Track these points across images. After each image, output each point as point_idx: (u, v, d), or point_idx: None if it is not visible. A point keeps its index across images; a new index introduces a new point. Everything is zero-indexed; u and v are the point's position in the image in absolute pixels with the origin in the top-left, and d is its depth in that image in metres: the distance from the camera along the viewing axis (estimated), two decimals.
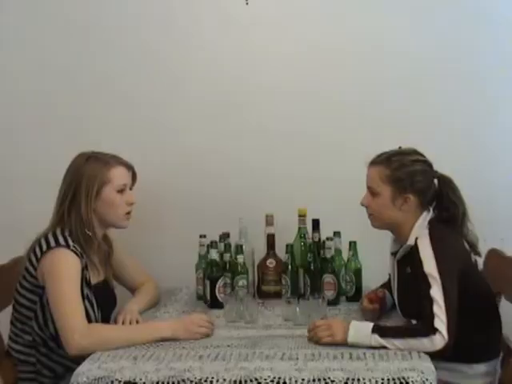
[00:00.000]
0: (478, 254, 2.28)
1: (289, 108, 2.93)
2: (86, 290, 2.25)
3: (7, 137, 2.97)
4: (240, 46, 2.93)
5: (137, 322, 2.26)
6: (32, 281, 2.23)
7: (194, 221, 2.88)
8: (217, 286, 2.53)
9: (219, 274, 2.54)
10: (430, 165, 2.28)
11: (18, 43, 2.94)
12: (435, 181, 2.28)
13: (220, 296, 2.53)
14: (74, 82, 2.95)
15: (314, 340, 2.08)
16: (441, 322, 2.00)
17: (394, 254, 2.36)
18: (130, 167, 2.38)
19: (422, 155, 2.29)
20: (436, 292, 2.05)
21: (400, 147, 2.30)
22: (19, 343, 2.27)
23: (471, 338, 2.19)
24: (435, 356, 1.97)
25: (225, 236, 2.71)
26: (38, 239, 2.23)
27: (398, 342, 1.99)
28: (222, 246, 2.64)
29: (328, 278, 2.57)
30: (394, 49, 2.89)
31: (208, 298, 2.55)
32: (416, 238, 2.21)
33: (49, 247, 2.19)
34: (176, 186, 2.94)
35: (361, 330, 2.05)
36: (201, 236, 2.69)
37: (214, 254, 2.55)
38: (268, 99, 2.93)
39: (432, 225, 2.23)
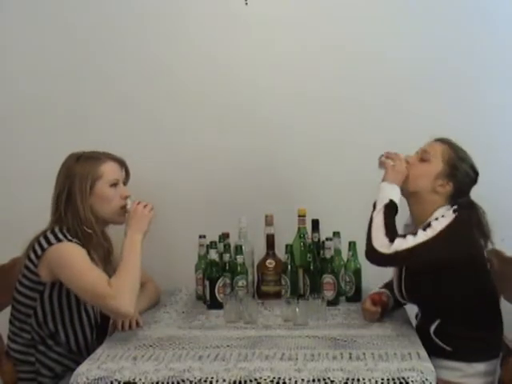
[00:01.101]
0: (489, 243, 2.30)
1: (288, 108, 2.93)
2: None
3: (7, 137, 2.98)
4: (241, 45, 2.93)
5: (137, 323, 2.27)
6: (32, 278, 2.23)
7: (194, 221, 2.89)
8: (216, 286, 2.53)
9: (219, 275, 2.54)
10: (476, 181, 2.31)
11: (19, 44, 2.95)
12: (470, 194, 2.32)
13: (219, 296, 2.53)
14: (77, 82, 2.96)
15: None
16: (404, 242, 2.13)
17: None
18: (121, 162, 2.40)
19: (477, 171, 2.31)
20: (424, 234, 2.14)
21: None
22: (18, 342, 2.27)
23: (472, 337, 2.19)
24: (369, 254, 2.19)
25: (224, 236, 2.70)
26: (36, 238, 2.24)
27: (378, 221, 2.20)
28: (221, 246, 2.63)
29: (327, 279, 2.57)
30: (398, 50, 2.89)
31: (207, 298, 2.55)
32: (435, 219, 2.22)
33: (50, 244, 2.20)
34: (176, 186, 2.95)
35: (383, 191, 2.24)
36: (200, 236, 2.69)
37: (213, 255, 2.55)
38: (268, 99, 2.94)
39: (458, 212, 2.22)
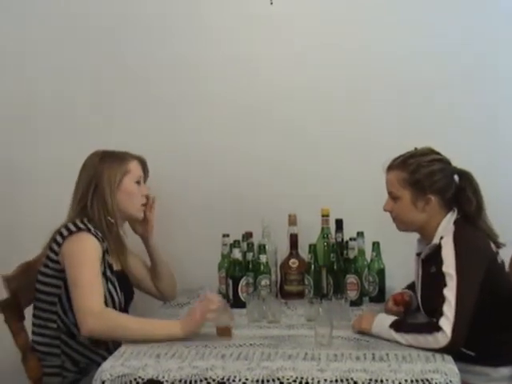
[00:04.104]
0: (499, 246, 2.26)
1: (313, 107, 2.91)
2: (108, 273, 2.31)
3: (30, 136, 2.99)
4: (264, 45, 2.90)
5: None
6: (55, 266, 2.27)
7: (217, 220, 2.88)
8: (239, 285, 2.54)
9: (242, 274, 2.55)
10: (447, 162, 2.27)
11: (41, 44, 2.95)
12: (456, 177, 2.26)
13: (242, 295, 2.53)
14: (97, 82, 2.96)
15: (354, 329, 2.18)
16: (447, 320, 2.00)
17: (418, 254, 2.35)
18: (143, 161, 2.47)
19: (438, 153, 2.27)
20: (449, 291, 2.05)
21: (416, 148, 2.29)
22: (43, 335, 2.30)
23: (497, 340, 2.18)
24: (440, 352, 1.98)
25: (248, 235, 2.70)
26: (57, 229, 2.29)
27: (409, 337, 2.03)
28: (244, 245, 2.64)
29: (351, 279, 2.57)
30: (427, 48, 2.87)
31: (231, 297, 2.56)
32: (441, 238, 2.20)
33: (70, 232, 2.25)
34: (199, 185, 2.94)
35: (382, 322, 2.12)
36: (224, 235, 2.70)
37: (236, 254, 2.55)
38: (292, 98, 2.92)
39: (458, 225, 2.22)
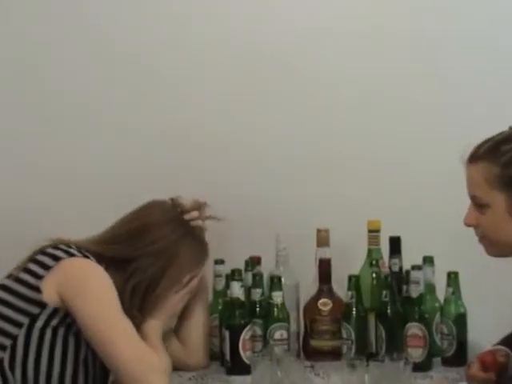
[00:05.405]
0: None
1: (365, 103, 2.89)
2: None
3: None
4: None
5: None
6: (27, 293, 2.23)
7: (207, 239, 2.66)
8: (241, 338, 2.43)
9: (245, 321, 2.45)
10: None
11: (66, 47, 3.02)
12: None
13: (245, 355, 2.42)
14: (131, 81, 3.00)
15: None
16: None
17: None
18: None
19: None
20: None
21: (511, 127, 2.23)
22: None
23: None
24: None
25: (254, 262, 2.61)
26: (40, 249, 2.29)
27: None
28: (249, 277, 2.55)
29: (414, 329, 2.45)
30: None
31: (227, 357, 2.44)
32: None
33: (69, 254, 2.26)
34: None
35: None
36: (216, 262, 2.56)
37: (236, 290, 2.44)
38: (339, 99, 2.89)
39: None
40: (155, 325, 2.38)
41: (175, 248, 2.37)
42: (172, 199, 2.44)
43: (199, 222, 2.46)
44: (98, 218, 2.70)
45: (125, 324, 2.22)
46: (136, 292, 2.32)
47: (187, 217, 2.42)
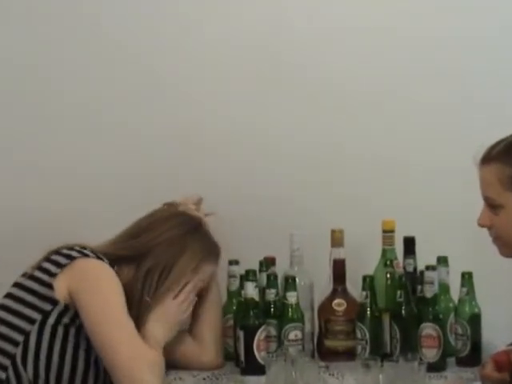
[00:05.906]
0: None
1: (380, 99, 2.87)
2: None
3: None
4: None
5: None
6: (40, 290, 2.25)
7: (221, 240, 2.66)
8: (255, 339, 2.44)
9: (259, 322, 2.45)
10: None
11: (70, 51, 3.01)
12: None
13: (260, 355, 2.43)
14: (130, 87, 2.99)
15: None
16: None
17: None
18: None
19: None
20: None
21: None
22: None
23: None
24: None
25: (268, 262, 2.60)
26: (55, 250, 2.32)
27: None
28: (263, 277, 2.55)
29: (428, 329, 2.45)
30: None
31: (242, 357, 2.44)
32: None
33: (83, 255, 2.29)
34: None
35: None
36: (231, 262, 2.55)
37: (251, 290, 2.45)
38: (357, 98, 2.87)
39: None
40: (154, 327, 2.37)
41: (185, 239, 2.37)
42: (167, 203, 2.47)
43: (201, 215, 2.47)
44: (98, 217, 2.81)
45: (127, 323, 2.21)
46: (149, 276, 2.33)
47: (182, 207, 2.46)
